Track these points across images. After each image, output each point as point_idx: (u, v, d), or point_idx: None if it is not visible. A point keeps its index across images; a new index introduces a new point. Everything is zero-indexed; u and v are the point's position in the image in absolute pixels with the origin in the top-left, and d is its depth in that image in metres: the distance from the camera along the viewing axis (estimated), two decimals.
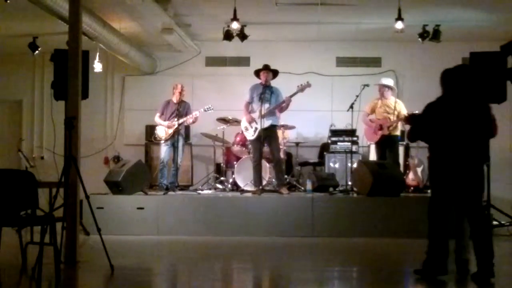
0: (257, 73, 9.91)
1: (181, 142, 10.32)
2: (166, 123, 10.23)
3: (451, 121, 5.68)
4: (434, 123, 5.76)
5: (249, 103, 9.85)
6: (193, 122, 10.42)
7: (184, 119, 10.16)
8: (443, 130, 5.72)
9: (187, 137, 11.45)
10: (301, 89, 9.67)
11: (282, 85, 9.92)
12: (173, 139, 10.22)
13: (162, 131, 10.31)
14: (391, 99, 10.09)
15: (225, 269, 6.99)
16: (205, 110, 10.32)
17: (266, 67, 9.81)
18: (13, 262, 6.56)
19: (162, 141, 10.33)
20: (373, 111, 10.09)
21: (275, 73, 9.89)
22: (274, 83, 9.90)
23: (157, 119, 10.41)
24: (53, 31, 10.32)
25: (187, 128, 11.39)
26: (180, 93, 10.23)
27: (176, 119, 10.18)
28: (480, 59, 9.39)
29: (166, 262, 7.28)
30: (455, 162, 5.65)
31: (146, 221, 9.16)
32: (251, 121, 9.75)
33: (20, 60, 12.43)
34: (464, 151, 5.63)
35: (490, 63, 9.31)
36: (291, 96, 9.62)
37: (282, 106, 9.67)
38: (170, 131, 10.20)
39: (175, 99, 10.30)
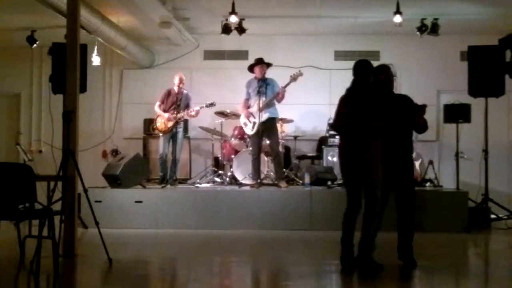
0: (250, 69, 9.91)
1: (180, 135, 10.23)
2: (167, 115, 10.11)
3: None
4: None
5: (247, 99, 9.90)
6: (195, 116, 10.31)
7: (184, 112, 10.09)
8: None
9: (185, 130, 11.42)
10: (294, 78, 9.68)
11: (280, 78, 9.89)
12: (171, 133, 10.19)
13: (162, 123, 10.24)
14: None
15: (223, 262, 7.00)
16: (207, 106, 10.16)
17: (261, 61, 9.81)
18: (12, 255, 6.57)
19: (161, 134, 10.30)
20: None
21: (268, 64, 9.90)
22: (272, 76, 9.91)
23: (156, 108, 10.25)
24: (51, 25, 10.29)
25: (186, 121, 11.36)
26: (179, 85, 10.19)
27: (176, 111, 10.14)
28: (479, 52, 9.40)
29: (164, 256, 7.28)
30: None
31: (145, 214, 9.17)
32: (249, 116, 9.78)
33: (18, 53, 12.37)
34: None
35: (488, 56, 9.32)
36: (285, 86, 9.64)
37: (278, 97, 9.69)
38: (170, 124, 10.16)
39: (176, 89, 10.26)
